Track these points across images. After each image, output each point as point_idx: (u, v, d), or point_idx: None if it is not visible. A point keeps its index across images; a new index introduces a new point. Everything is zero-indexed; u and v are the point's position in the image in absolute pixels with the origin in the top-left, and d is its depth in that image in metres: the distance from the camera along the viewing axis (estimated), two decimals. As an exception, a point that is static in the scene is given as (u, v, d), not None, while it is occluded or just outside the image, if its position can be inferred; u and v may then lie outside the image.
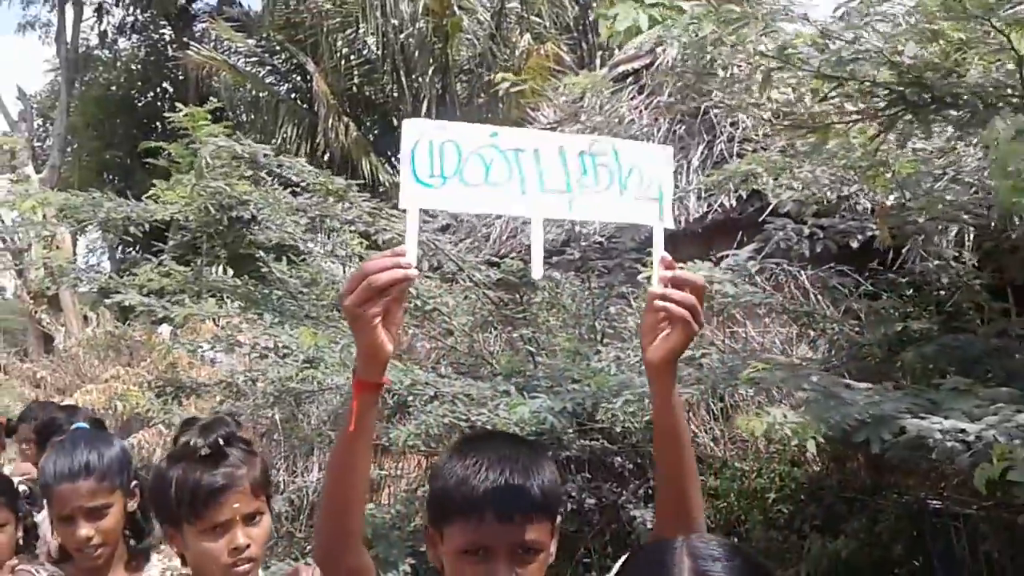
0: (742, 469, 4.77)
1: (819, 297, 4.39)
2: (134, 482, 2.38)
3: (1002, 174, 1.96)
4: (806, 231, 3.55)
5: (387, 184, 13.15)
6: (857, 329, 4.12)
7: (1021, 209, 2.20)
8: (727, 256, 3.86)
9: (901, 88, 2.51)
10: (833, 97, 2.87)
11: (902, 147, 2.94)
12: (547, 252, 5.18)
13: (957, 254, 3.55)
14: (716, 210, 6.92)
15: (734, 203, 6.55)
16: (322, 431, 5.70)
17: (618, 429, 5.56)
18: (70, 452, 2.29)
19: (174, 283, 5.03)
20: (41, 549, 2.61)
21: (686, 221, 6.87)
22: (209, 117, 5.63)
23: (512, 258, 5.60)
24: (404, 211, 1.38)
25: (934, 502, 4.16)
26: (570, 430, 5.51)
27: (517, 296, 5.54)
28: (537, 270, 1.42)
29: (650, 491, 5.48)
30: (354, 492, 1.43)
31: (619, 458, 5.56)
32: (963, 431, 2.47)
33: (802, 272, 4.61)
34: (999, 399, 2.80)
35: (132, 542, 2.38)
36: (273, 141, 13.55)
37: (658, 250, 1.44)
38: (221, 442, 1.96)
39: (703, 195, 6.72)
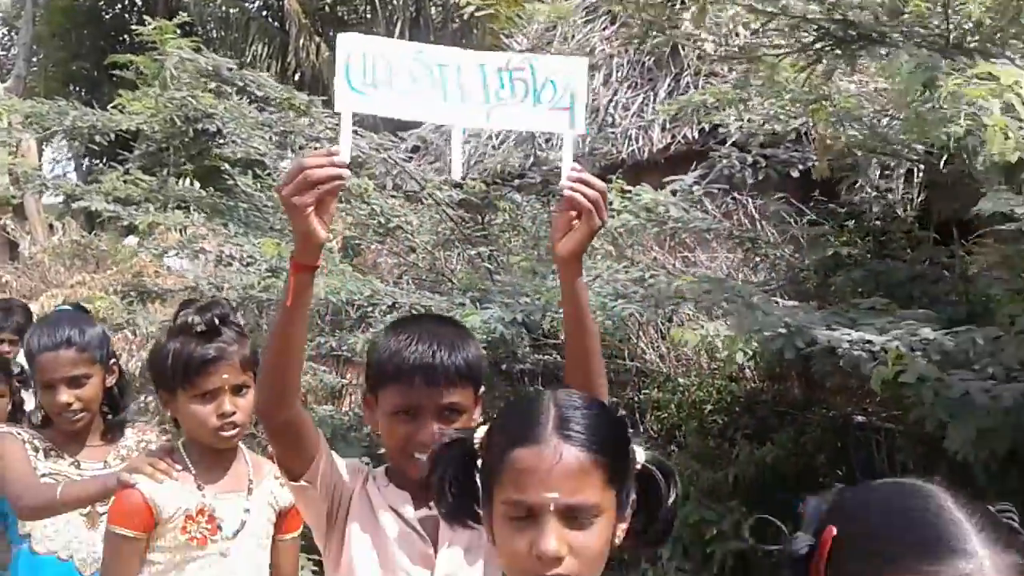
0: (684, 383, 5.04)
1: (763, 224, 4.60)
2: (112, 360, 2.58)
3: (903, 106, 2.12)
4: (749, 160, 3.74)
5: (358, 105, 13.02)
6: (796, 255, 4.35)
7: (922, 139, 2.37)
8: (673, 181, 4.04)
9: (828, 25, 2.66)
10: (766, 31, 3.01)
11: (828, 80, 3.10)
12: (510, 176, 5.36)
13: (890, 187, 3.77)
14: (679, 141, 7.06)
15: (696, 135, 6.71)
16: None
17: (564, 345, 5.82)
18: (54, 326, 2.49)
19: (139, 192, 5.11)
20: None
21: (649, 152, 7.02)
22: (177, 31, 5.63)
23: (475, 179, 5.75)
24: (339, 114, 1.56)
25: (859, 417, 4.46)
26: (525, 345, 5.78)
27: (478, 217, 5.71)
28: (456, 172, 1.61)
29: (599, 405, 5.78)
30: (291, 357, 1.64)
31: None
32: (869, 342, 2.71)
33: (750, 200, 4.82)
34: (915, 319, 3.05)
35: (109, 416, 2.59)
36: (243, 59, 13.38)
37: (568, 155, 1.61)
38: (216, 320, 2.15)
39: (667, 126, 6.87)
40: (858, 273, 3.69)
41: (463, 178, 6.40)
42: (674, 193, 3.88)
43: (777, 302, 3.36)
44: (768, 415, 4.69)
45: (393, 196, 5.94)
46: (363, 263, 7.17)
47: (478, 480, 1.34)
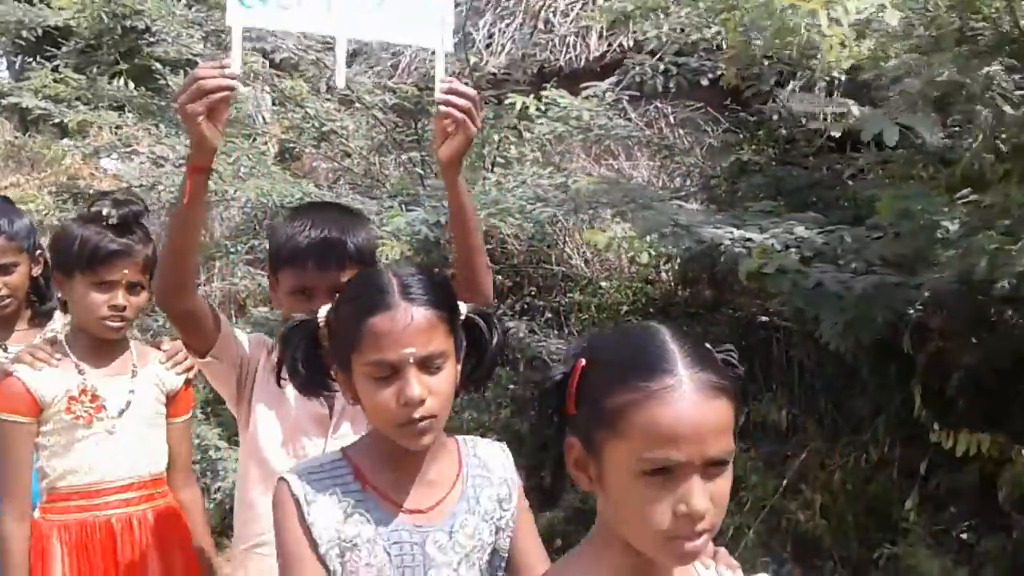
0: (605, 287, 5.30)
1: (681, 132, 4.79)
2: (39, 251, 2.70)
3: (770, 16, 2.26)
4: (661, 67, 3.89)
5: (300, 7, 12.78)
6: (710, 162, 4.56)
7: (786, 48, 2.50)
8: (588, 88, 4.19)
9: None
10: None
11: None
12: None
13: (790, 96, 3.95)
14: (615, 49, 7.16)
15: (631, 43, 6.80)
16: (222, 243, 5.99)
17: (500, 251, 6.04)
18: None
19: (69, 91, 5.09)
20: None
21: (587, 60, 7.11)
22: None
23: (408, 84, 5.81)
24: (230, 28, 1.70)
25: (762, 317, 4.76)
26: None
27: (412, 122, 5.80)
28: (340, 80, 1.78)
29: (525, 306, 6.04)
30: (188, 250, 1.82)
31: (500, 276, 6.05)
32: (750, 240, 2.94)
33: (670, 109, 5.00)
34: (803, 221, 3.29)
35: (37, 305, 2.73)
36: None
37: (440, 68, 1.79)
38: (130, 216, 2.28)
39: (604, 34, 6.95)
40: (759, 179, 3.92)
41: (391, 81, 6.46)
42: (588, 99, 4.02)
43: (681, 206, 3.57)
44: (680, 316, 4.98)
45: (328, 100, 5.99)
46: (301, 167, 7.23)
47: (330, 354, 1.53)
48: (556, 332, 5.98)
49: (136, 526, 2.21)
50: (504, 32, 7.38)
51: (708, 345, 1.15)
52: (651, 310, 5.02)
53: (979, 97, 2.22)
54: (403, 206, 4.74)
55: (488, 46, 7.74)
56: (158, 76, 5.56)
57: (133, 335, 2.70)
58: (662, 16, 4.13)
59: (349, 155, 6.10)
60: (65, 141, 8.71)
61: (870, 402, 4.15)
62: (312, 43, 5.32)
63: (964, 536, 3.57)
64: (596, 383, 1.10)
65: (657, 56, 4.00)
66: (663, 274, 5.23)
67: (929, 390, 3.97)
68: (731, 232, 2.91)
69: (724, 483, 1.08)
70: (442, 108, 1.76)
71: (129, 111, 5.11)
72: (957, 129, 2.71)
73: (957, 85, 2.21)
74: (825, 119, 3.25)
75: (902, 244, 2.54)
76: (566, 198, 4.37)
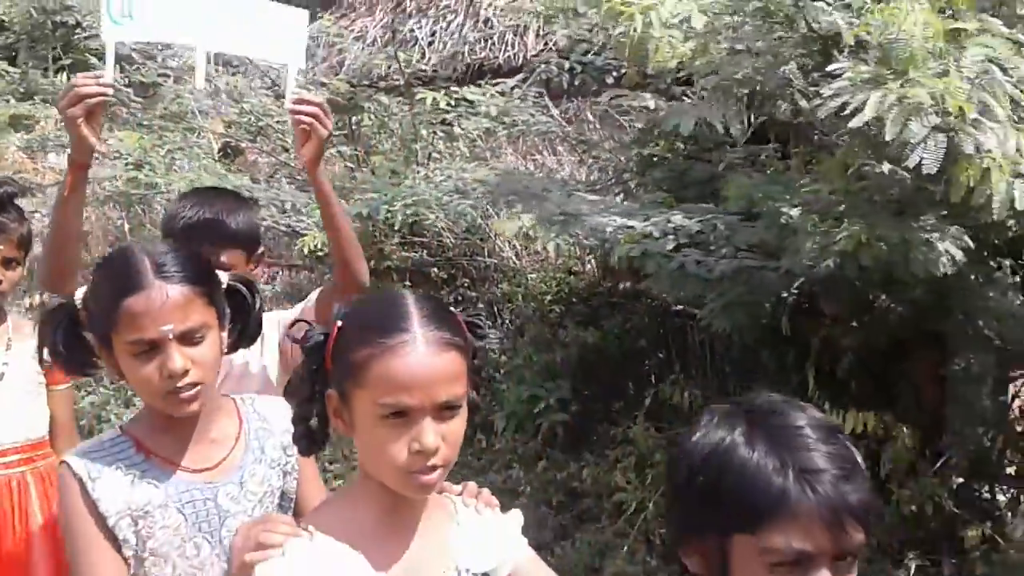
0: (532, 278, 5.48)
1: (599, 128, 4.98)
2: None
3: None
4: (567, 66, 4.07)
5: None
6: (623, 156, 4.75)
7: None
8: (497, 84, 4.35)
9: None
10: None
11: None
12: (377, 78, 5.57)
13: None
14: (550, 48, 7.34)
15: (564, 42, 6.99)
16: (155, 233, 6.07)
17: (435, 244, 6.20)
18: None
19: (3, 85, 5.17)
20: None
21: (524, 57, 7.29)
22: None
23: (339, 79, 5.95)
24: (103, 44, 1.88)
25: (677, 306, 4.96)
26: (392, 242, 6.12)
27: (346, 118, 5.94)
28: (200, 82, 1.93)
29: (459, 297, 6.20)
30: (69, 240, 1.95)
31: (435, 269, 6.22)
32: (631, 227, 3.12)
33: (591, 105, 5.18)
34: (691, 211, 3.48)
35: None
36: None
37: (291, 82, 1.96)
38: (4, 197, 2.42)
39: (541, 32, 7.13)
40: (659, 173, 4.11)
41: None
42: (497, 96, 4.19)
43: (584, 197, 3.74)
44: (602, 305, 5.16)
45: (266, 95, 6.11)
46: (244, 162, 7.34)
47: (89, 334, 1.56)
48: (490, 323, 6.15)
49: (15, 488, 2.34)
50: (446, 30, 7.54)
51: (453, 309, 1.30)
52: (573, 300, 5.20)
53: (778, 94, 2.41)
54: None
55: (431, 43, 7.91)
56: (96, 69, 5.65)
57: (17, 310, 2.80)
58: (571, 16, 4.32)
59: (287, 150, 6.22)
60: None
61: (770, 384, 4.35)
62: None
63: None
64: (347, 342, 1.23)
65: (567, 55, 4.17)
66: (587, 265, 5.41)
67: (822, 372, 4.19)
68: (614, 220, 3.08)
69: (456, 424, 1.21)
70: (292, 116, 1.93)
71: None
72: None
73: (756, 82, 2.41)
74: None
75: (764, 231, 2.72)
76: (485, 191, 4.54)
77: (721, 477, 1.08)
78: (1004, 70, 1.90)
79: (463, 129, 5.40)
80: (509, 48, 7.47)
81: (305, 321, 1.34)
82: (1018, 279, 3.04)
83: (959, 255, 2.31)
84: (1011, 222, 2.97)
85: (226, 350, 1.63)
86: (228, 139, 6.30)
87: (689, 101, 2.95)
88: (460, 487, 1.40)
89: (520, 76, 4.41)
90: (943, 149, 1.87)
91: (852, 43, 1.97)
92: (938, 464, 3.68)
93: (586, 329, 4.80)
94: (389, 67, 5.94)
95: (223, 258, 2.12)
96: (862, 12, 1.93)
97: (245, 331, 1.68)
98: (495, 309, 5.98)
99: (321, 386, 1.28)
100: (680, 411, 4.30)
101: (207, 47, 1.96)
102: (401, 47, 7.28)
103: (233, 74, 6.16)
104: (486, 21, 7.53)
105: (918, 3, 1.93)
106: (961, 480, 3.58)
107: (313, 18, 8.51)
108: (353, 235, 2.17)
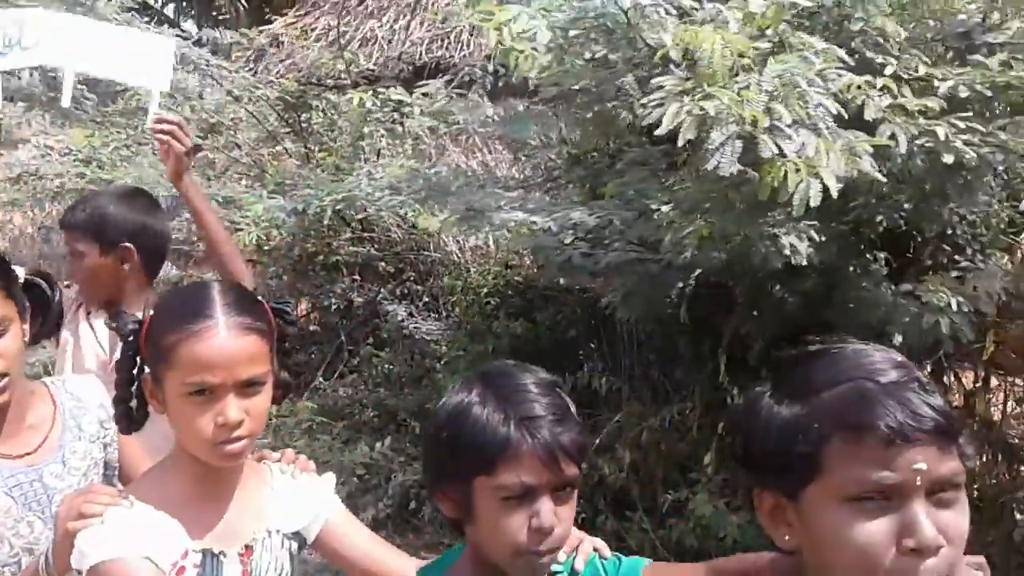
0: (472, 271, 5.68)
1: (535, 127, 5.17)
2: None
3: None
4: (490, 68, 4.26)
5: None
6: (554, 154, 4.96)
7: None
8: (422, 86, 4.55)
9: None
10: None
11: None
12: (325, 76, 5.70)
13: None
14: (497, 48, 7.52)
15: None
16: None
17: (384, 238, 6.39)
18: None
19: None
20: None
21: (481, 57, 7.47)
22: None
23: (288, 79, 6.12)
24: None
25: (604, 298, 5.18)
26: (341, 237, 6.31)
27: (295, 115, 6.11)
28: (66, 101, 2.16)
29: (406, 291, 6.40)
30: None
31: (383, 263, 6.41)
32: (534, 222, 3.33)
33: (529, 106, 5.38)
34: (604, 208, 3.68)
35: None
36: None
37: (154, 104, 2.19)
38: None
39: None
40: (584, 170, 4.32)
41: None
42: (425, 95, 4.38)
43: (502, 194, 3.94)
44: (536, 297, 5.37)
45: (229, 93, 6.27)
46: (202, 159, 7.50)
47: None
48: (435, 315, 6.36)
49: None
50: (399, 30, 7.72)
51: (259, 298, 1.47)
52: (509, 292, 5.40)
53: (618, 104, 2.62)
54: (275, 195, 5.07)
55: (391, 41, 8.08)
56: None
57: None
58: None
59: (239, 146, 6.39)
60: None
61: (686, 371, 4.58)
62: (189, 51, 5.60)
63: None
64: (158, 329, 1.39)
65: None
66: (525, 259, 5.61)
67: (735, 360, 4.42)
68: (518, 215, 3.28)
69: (259, 400, 1.38)
70: (155, 136, 2.15)
71: (13, 101, 5.35)
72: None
73: (594, 93, 2.61)
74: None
75: (642, 226, 2.94)
76: (420, 187, 4.73)
77: (460, 431, 1.26)
78: (810, 83, 2.12)
79: (406, 128, 5.59)
80: (465, 48, 7.67)
81: (123, 311, 1.49)
82: (888, 270, 3.26)
83: (804, 247, 2.53)
84: (880, 217, 3.21)
85: (28, 341, 1.72)
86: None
87: (534, 109, 3.16)
88: (279, 454, 1.58)
89: (446, 77, 4.59)
90: (739, 153, 2.08)
91: (676, 58, 2.18)
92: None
93: (517, 320, 5.01)
94: (337, 67, 6.11)
95: (75, 244, 2.31)
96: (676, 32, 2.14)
97: (46, 323, 1.81)
98: (439, 302, 6.19)
99: (138, 370, 1.44)
100: (599, 396, 4.51)
101: (77, 69, 2.18)
102: (361, 46, 7.47)
103: (188, 73, 6.32)
104: (444, 20, 7.71)
105: (730, 23, 2.15)
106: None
107: (267, 22, 8.67)
108: (226, 237, 2.36)
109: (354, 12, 8.16)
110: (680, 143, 2.13)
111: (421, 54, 7.36)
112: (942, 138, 2.25)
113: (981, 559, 1.15)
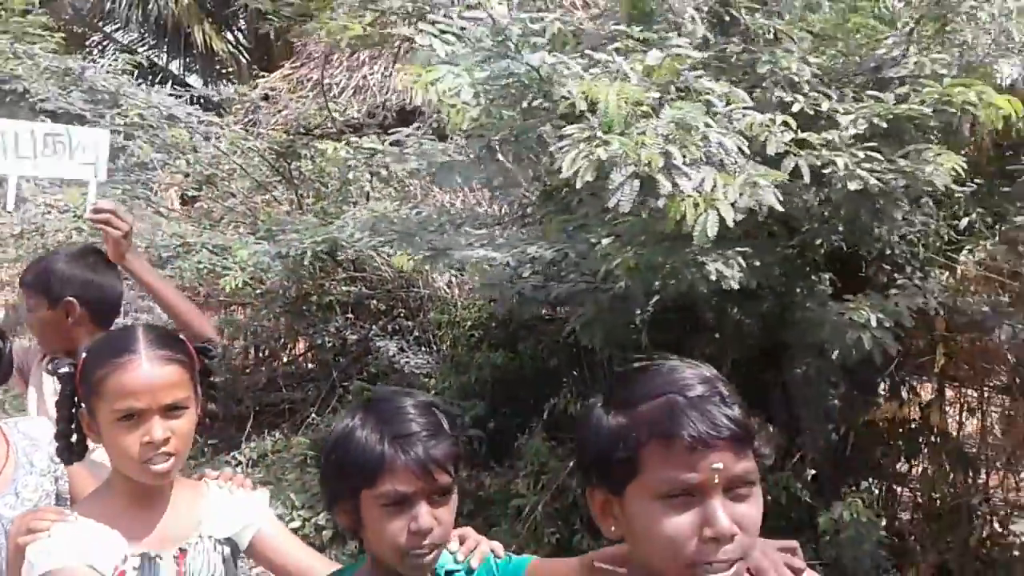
0: (459, 305, 5.89)
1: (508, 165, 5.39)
2: None
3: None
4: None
5: (222, 53, 13.35)
6: (527, 192, 5.16)
7: None
8: (394, 132, 4.78)
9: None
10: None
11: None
12: (313, 127, 5.96)
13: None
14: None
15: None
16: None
17: (375, 277, 6.61)
18: None
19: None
20: None
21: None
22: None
23: (278, 130, 6.40)
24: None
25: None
26: (333, 278, 6.54)
27: (285, 164, 6.38)
28: (9, 204, 2.34)
29: (396, 327, 6.60)
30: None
31: (375, 300, 6.62)
32: (493, 259, 3.52)
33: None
34: (562, 242, 3.86)
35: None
36: (104, 2, 13.45)
37: (91, 195, 2.38)
38: None
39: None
40: (555, 206, 4.51)
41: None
42: (395, 144, 4.60)
43: (471, 232, 4.14)
44: (519, 328, 5.56)
45: (216, 147, 6.55)
46: (200, 209, 7.78)
47: None
48: (425, 349, 6.55)
49: None
50: (389, 78, 8.00)
51: (182, 337, 1.67)
52: (493, 324, 5.58)
53: (537, 151, 2.83)
54: (264, 240, 5.30)
55: (382, 90, 8.37)
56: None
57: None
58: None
59: (234, 195, 6.66)
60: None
61: (662, 395, 4.74)
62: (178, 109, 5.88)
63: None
64: (90, 367, 1.59)
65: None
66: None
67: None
68: (477, 252, 3.48)
69: (182, 422, 1.57)
70: (94, 225, 2.35)
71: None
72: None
73: (513, 142, 2.82)
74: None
75: (583, 259, 3.13)
76: (384, 230, 4.94)
77: (345, 452, 1.42)
78: (707, 124, 2.31)
79: (390, 171, 5.81)
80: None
81: (57, 358, 1.69)
82: (833, 290, 3.43)
83: (735, 273, 2.70)
84: (818, 240, 3.39)
85: None
86: (180, 188, 6.74)
87: (459, 159, 3.37)
88: (217, 473, 1.77)
89: (416, 124, 4.82)
90: (636, 192, 2.27)
91: (584, 108, 2.37)
92: (795, 459, 4.06)
93: (498, 351, 5.19)
94: (321, 117, 6.38)
95: (29, 300, 2.48)
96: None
97: None
98: (429, 336, 6.38)
99: (75, 407, 1.63)
100: (575, 422, 4.67)
101: (19, 174, 2.37)
102: (354, 94, 7.74)
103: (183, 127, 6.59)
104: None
105: (630, 75, 2.36)
106: (814, 472, 3.94)
107: (254, 77, 8.97)
108: (180, 300, 2.52)
109: (347, 63, 8.46)
110: (578, 186, 2.33)
111: (408, 101, 7.62)
112: (842, 168, 2.44)
113: (793, 543, 1.32)
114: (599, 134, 2.26)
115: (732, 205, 2.25)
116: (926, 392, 4.03)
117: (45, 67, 5.28)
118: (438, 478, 1.41)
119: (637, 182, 2.23)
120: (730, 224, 2.23)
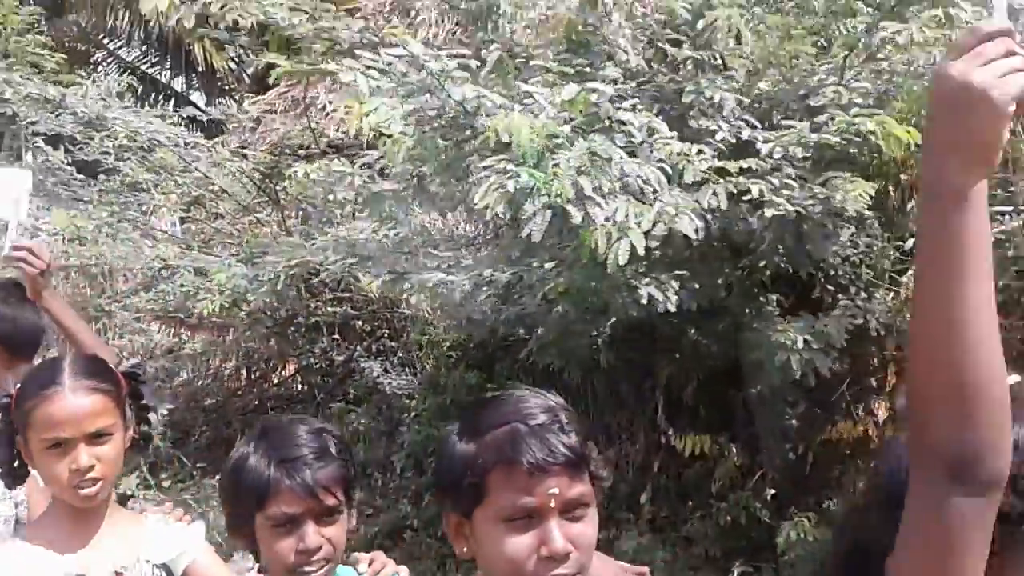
0: (440, 326, 5.98)
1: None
2: None
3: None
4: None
5: (222, 70, 13.52)
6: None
7: None
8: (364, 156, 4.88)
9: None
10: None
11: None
12: (298, 146, 6.08)
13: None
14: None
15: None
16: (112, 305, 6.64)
17: (360, 297, 6.71)
18: None
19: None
20: None
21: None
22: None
23: (263, 151, 6.53)
24: None
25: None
26: (319, 300, 6.64)
27: (269, 184, 6.50)
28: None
29: (381, 348, 6.69)
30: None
31: (359, 321, 6.72)
32: (451, 281, 3.61)
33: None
34: (518, 265, 3.94)
35: None
36: (106, 20, 13.64)
37: (11, 234, 2.39)
38: None
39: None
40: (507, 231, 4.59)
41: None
42: (367, 166, 4.70)
43: (436, 254, 4.24)
44: (496, 349, 5.64)
45: (198, 169, 6.68)
46: (198, 231, 7.93)
47: None
48: (409, 370, 6.63)
49: None
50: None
51: (111, 366, 1.77)
52: (471, 345, 5.67)
53: (463, 180, 2.92)
54: (243, 263, 5.41)
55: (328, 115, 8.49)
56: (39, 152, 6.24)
57: None
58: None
59: (222, 216, 6.79)
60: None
61: (631, 412, 4.81)
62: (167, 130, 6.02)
63: (677, 522, 4.21)
64: (21, 399, 1.69)
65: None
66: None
67: (673, 400, 4.65)
68: (435, 275, 3.57)
69: (108, 448, 1.67)
70: (11, 263, 2.42)
71: None
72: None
73: (443, 172, 2.92)
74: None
75: (539, 284, 3.22)
76: (377, 251, 5.05)
77: (239, 478, 1.52)
78: (622, 156, 2.40)
79: (368, 191, 5.91)
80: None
81: None
82: (780, 311, 3.50)
83: (664, 297, 2.78)
84: (762, 263, 3.46)
85: None
86: (170, 209, 6.88)
87: (389, 189, 3.47)
88: (158, 507, 1.88)
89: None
90: (547, 222, 2.36)
91: (504, 141, 2.46)
92: (755, 478, 4.11)
93: (473, 371, 5.28)
94: (307, 137, 6.51)
95: None
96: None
97: None
98: (412, 357, 6.48)
99: (14, 435, 1.72)
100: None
101: None
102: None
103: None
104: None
105: (546, 108, 2.46)
106: (773, 492, 4.00)
107: (255, 94, 9.10)
108: (89, 337, 2.57)
109: (331, 83, 8.58)
110: (488, 216, 2.42)
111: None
112: (757, 195, 2.52)
113: (644, 569, 1.40)
114: (510, 167, 2.35)
115: (646, 234, 2.33)
116: (882, 411, 4.09)
117: (26, 94, 5.42)
118: (324, 499, 1.50)
119: (549, 212, 2.33)
120: (640, 252, 2.32)
